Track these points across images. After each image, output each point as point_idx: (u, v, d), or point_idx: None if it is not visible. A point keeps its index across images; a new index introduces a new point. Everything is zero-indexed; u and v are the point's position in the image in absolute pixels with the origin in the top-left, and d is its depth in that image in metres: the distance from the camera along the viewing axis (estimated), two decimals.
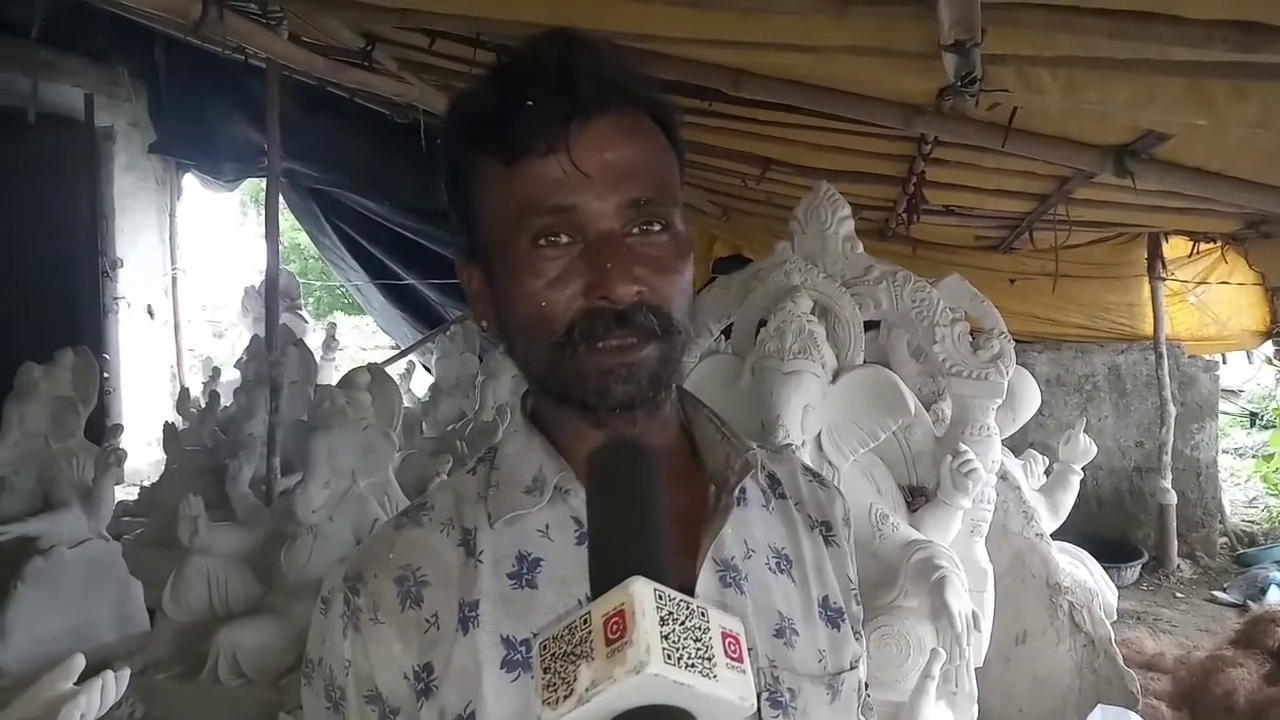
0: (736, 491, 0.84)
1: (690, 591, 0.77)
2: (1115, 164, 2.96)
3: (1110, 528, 6.41)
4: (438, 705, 0.76)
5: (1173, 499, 6.23)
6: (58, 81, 7.52)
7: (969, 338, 3.18)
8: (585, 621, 0.60)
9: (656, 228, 0.79)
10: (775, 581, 0.85)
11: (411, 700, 0.77)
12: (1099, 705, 3.07)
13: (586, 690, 0.56)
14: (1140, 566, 6.10)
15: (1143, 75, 1.98)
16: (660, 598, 0.59)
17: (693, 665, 0.57)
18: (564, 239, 0.77)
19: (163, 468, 6.29)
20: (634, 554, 0.63)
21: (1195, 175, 3.00)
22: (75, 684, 1.48)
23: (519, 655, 0.76)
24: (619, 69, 0.80)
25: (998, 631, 3.34)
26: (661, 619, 0.58)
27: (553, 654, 0.60)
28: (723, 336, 3.50)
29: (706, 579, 0.80)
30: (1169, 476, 6.24)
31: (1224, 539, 6.61)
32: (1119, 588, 5.77)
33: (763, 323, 3.06)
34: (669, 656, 0.56)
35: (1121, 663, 3.57)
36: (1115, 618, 3.90)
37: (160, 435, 6.08)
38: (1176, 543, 6.28)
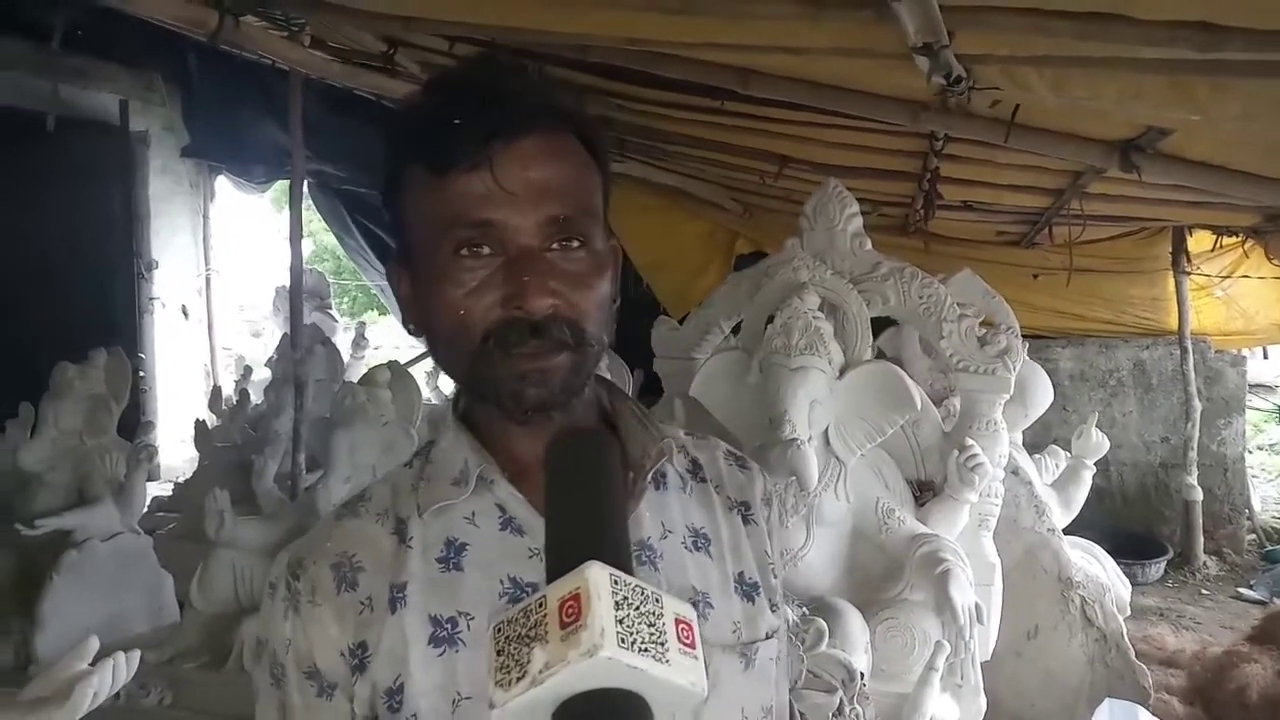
0: (653, 476, 0.91)
1: None
2: (1121, 159, 2.96)
3: (1135, 524, 6.37)
4: (370, 679, 0.82)
5: (1198, 495, 6.18)
6: (93, 87, 7.69)
7: (977, 333, 3.20)
8: (540, 605, 0.61)
9: (575, 244, 0.83)
10: (691, 559, 0.90)
11: (347, 675, 0.83)
12: (1107, 699, 3.07)
13: (540, 672, 0.58)
14: (1165, 563, 6.06)
15: (1123, 73, 2.00)
16: (616, 583, 0.60)
17: (646, 650, 0.59)
18: (485, 251, 0.82)
19: (196, 464, 6.43)
20: (590, 539, 0.65)
21: (1201, 169, 2.99)
22: (90, 665, 1.57)
23: (445, 632, 0.82)
24: (546, 91, 0.85)
25: (1009, 626, 3.36)
26: (616, 604, 0.59)
27: (507, 636, 0.61)
28: (732, 334, 3.54)
29: None
30: (1195, 472, 6.18)
31: (1252, 535, 6.54)
32: (1143, 584, 5.76)
33: (771, 319, 3.10)
34: (623, 640, 0.58)
35: (1134, 657, 3.57)
36: (1128, 613, 3.89)
37: (193, 432, 6.22)
38: (1202, 539, 6.23)
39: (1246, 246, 5.46)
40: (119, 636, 3.82)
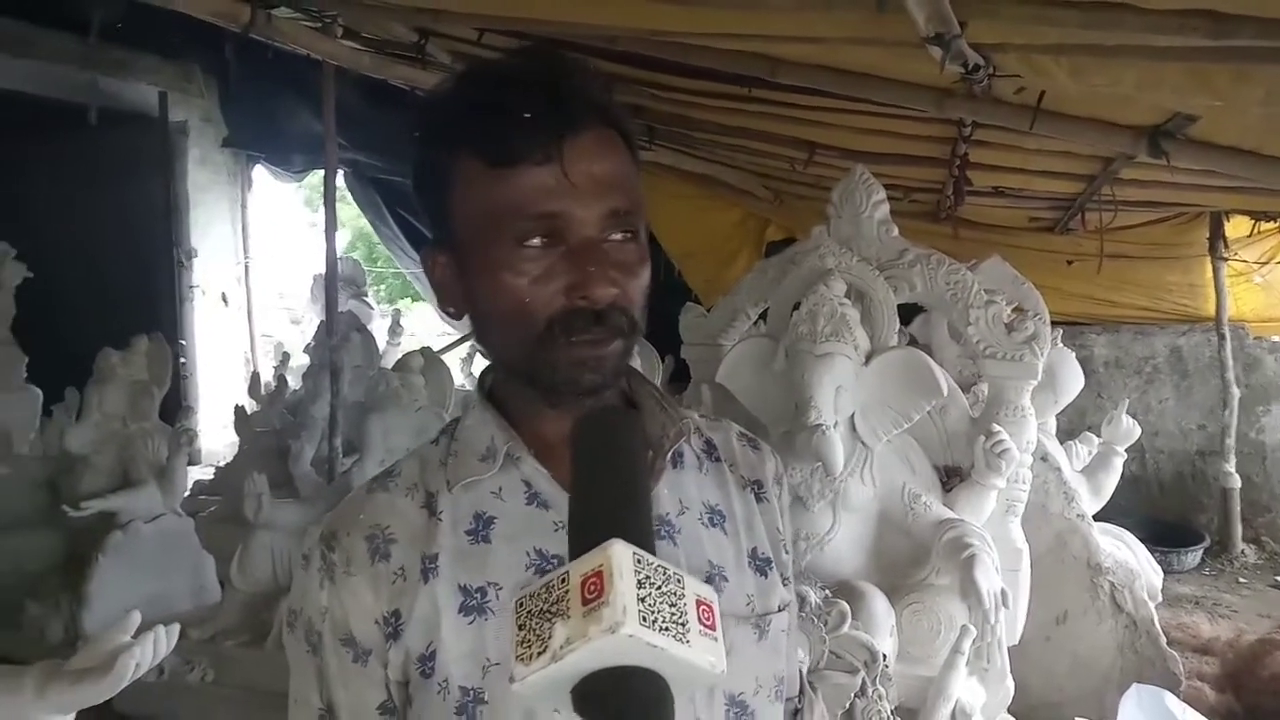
0: (671, 455, 0.95)
1: None
2: (1150, 145, 2.94)
3: (1171, 511, 6.32)
4: (404, 646, 0.86)
5: (1236, 483, 6.11)
6: (133, 79, 7.82)
7: (1004, 319, 3.19)
8: (563, 581, 0.62)
9: (628, 235, 0.87)
10: (707, 535, 0.95)
11: (381, 642, 0.87)
12: (1135, 685, 3.06)
13: (561, 647, 0.58)
14: (1202, 551, 5.99)
15: (1141, 60, 1.99)
16: (639, 561, 0.61)
17: (667, 629, 0.59)
18: (547, 242, 0.84)
19: (236, 449, 6.56)
20: (614, 518, 0.65)
21: (1231, 154, 2.95)
22: (132, 638, 1.63)
23: (474, 601, 0.86)
24: (600, 89, 0.88)
25: (1038, 611, 3.36)
26: (639, 582, 0.60)
27: (529, 611, 0.62)
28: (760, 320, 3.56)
29: None
30: (1233, 460, 6.11)
31: None
32: (1179, 572, 5.72)
33: (797, 305, 3.12)
34: (644, 619, 0.58)
35: (1164, 644, 3.55)
36: (1159, 599, 3.88)
37: (233, 418, 6.35)
38: (1241, 527, 6.16)
39: None
40: (162, 614, 3.88)
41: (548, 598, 0.61)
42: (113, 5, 6.00)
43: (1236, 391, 6.08)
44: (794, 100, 4.00)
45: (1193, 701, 3.19)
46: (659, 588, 0.60)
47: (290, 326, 12.29)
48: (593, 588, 0.59)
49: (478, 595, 0.86)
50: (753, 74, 3.52)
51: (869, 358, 3.06)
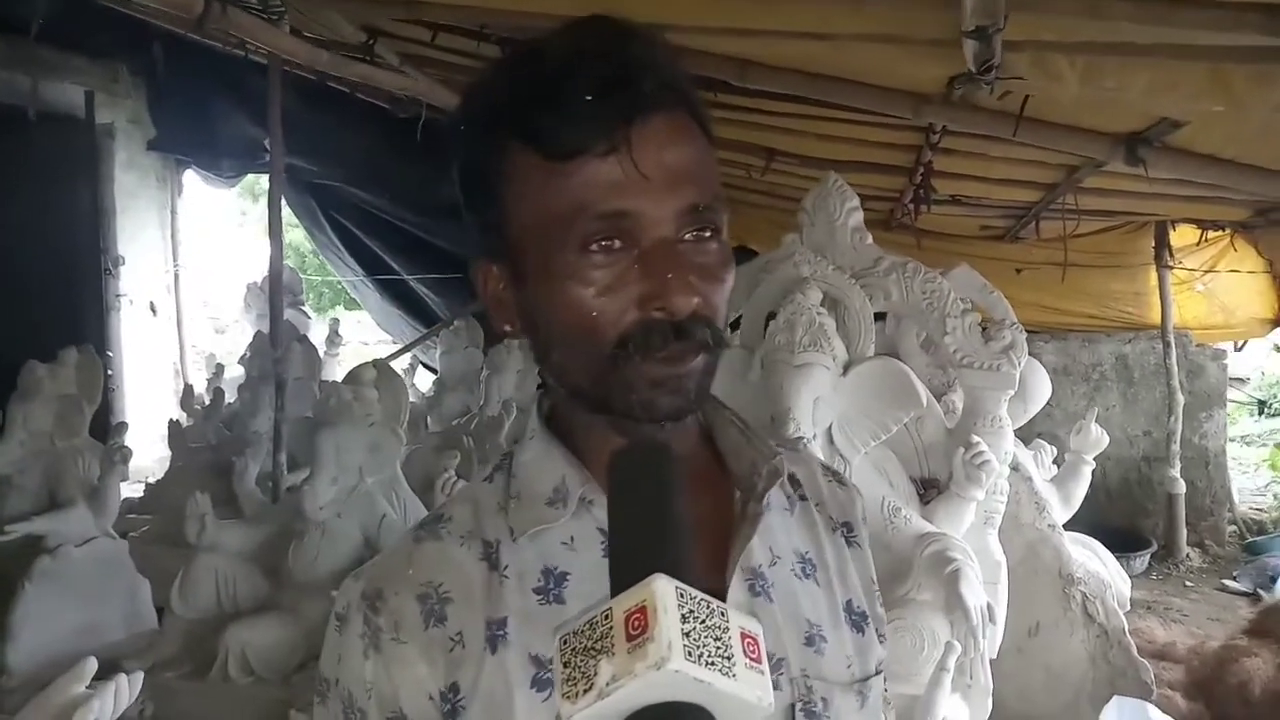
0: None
1: (723, 601, 0.75)
2: (1127, 152, 2.93)
3: (1119, 517, 6.39)
4: None
5: (1181, 488, 6.21)
6: (58, 79, 7.49)
7: (980, 329, 3.16)
8: (606, 617, 0.59)
9: (708, 234, 0.75)
10: (801, 588, 0.83)
11: None
12: (1115, 697, 3.05)
13: (607, 685, 0.57)
14: (1149, 556, 6.07)
15: (1164, 60, 1.95)
16: (682, 596, 0.59)
17: (713, 664, 0.57)
18: (616, 245, 0.73)
19: (167, 465, 6.28)
20: (655, 552, 0.63)
21: (1209, 163, 2.96)
22: (88, 687, 1.46)
23: (549, 674, 0.73)
24: (670, 63, 0.76)
25: (1010, 623, 3.32)
26: (683, 616, 0.58)
27: (573, 649, 0.60)
28: (729, 329, 3.48)
29: (736, 589, 0.78)
30: (1178, 465, 6.21)
31: (1233, 527, 6.58)
32: (1128, 577, 5.77)
33: (772, 315, 3.04)
34: (690, 654, 0.56)
35: (1135, 653, 3.55)
36: (1129, 608, 3.88)
37: (165, 432, 6.07)
38: (1186, 532, 6.26)
39: (1233, 239, 5.47)
40: (95, 645, 3.69)
41: (591, 634, 0.60)
42: (36, 2, 5.70)
43: (1181, 398, 6.18)
44: (758, 105, 3.93)
45: (1165, 710, 3.19)
46: (703, 621, 0.59)
47: (215, 336, 11.94)
48: (637, 623, 0.58)
49: (552, 666, 0.74)
50: (720, 77, 3.44)
51: (846, 368, 3.00)
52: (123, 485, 4.48)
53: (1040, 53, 2.12)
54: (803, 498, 0.90)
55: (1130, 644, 3.57)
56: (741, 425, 0.86)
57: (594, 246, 0.72)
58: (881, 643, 0.87)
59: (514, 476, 0.82)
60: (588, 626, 0.60)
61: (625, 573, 0.62)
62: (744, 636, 0.60)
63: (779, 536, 0.84)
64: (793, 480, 0.90)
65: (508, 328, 0.81)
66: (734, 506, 0.82)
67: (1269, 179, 2.95)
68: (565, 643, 0.61)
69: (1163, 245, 5.85)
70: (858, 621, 0.85)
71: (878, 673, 0.85)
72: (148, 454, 7.75)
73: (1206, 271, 6.00)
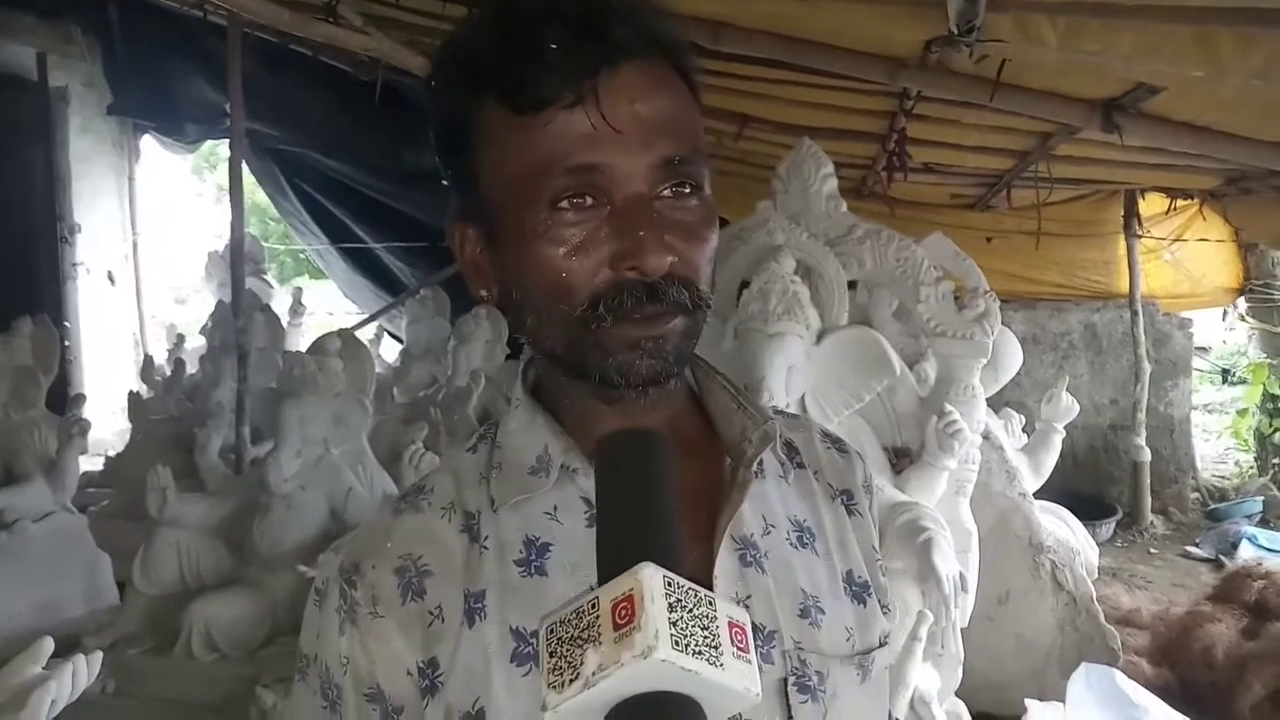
0: (755, 465, 0.78)
1: (709, 571, 0.73)
2: (1103, 119, 2.91)
3: (1085, 485, 6.44)
4: (443, 702, 0.71)
5: (1147, 456, 6.27)
6: (8, 40, 7.27)
7: (954, 297, 3.14)
8: (593, 606, 0.59)
9: (687, 190, 0.71)
10: (797, 557, 0.79)
11: (416, 698, 0.72)
12: (1083, 664, 3.06)
13: (593, 674, 0.56)
14: (1115, 523, 6.13)
15: (1149, 22, 1.91)
16: (669, 585, 0.58)
17: (700, 653, 0.57)
18: (588, 201, 0.69)
19: (127, 437, 6.16)
20: (643, 541, 0.62)
21: (1184, 130, 2.95)
22: (44, 668, 1.41)
23: (530, 648, 0.70)
24: (646, 10, 0.71)
25: (981, 592, 3.34)
26: (670, 605, 0.57)
27: (559, 638, 0.59)
28: None
29: (725, 559, 0.74)
30: (1143, 434, 6.27)
31: (1196, 494, 6.67)
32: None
33: (745, 283, 3.01)
34: (677, 643, 0.56)
35: (1103, 620, 3.59)
36: (1096, 575, 3.91)
37: (124, 404, 5.95)
38: (1150, 499, 6.33)
39: (1201, 209, 5.49)
40: (54, 622, 3.62)
41: (578, 624, 0.59)
42: None
43: (1148, 366, 6.22)
44: (731, 70, 3.86)
45: (1131, 676, 3.22)
46: (690, 610, 0.58)
47: (176, 306, 11.74)
48: (623, 612, 0.58)
49: (534, 640, 0.70)
50: (693, 40, 3.36)
51: (820, 337, 2.98)
52: (81, 458, 4.39)
53: (1024, 13, 2.08)
54: (800, 465, 0.86)
55: (1098, 611, 3.61)
56: (734, 391, 0.83)
57: (564, 204, 0.69)
58: (886, 614, 0.83)
59: (498, 447, 0.80)
60: (574, 615, 0.60)
61: (612, 561, 0.61)
62: (732, 626, 0.60)
63: (774, 504, 0.81)
64: (790, 447, 0.87)
65: (484, 293, 0.77)
66: (724, 474, 0.79)
67: (1242, 146, 2.94)
68: (551, 632, 0.60)
69: (1132, 214, 5.86)
70: (859, 592, 0.82)
71: (881, 645, 0.81)
72: (107, 426, 7.62)
73: (1174, 240, 6.03)
